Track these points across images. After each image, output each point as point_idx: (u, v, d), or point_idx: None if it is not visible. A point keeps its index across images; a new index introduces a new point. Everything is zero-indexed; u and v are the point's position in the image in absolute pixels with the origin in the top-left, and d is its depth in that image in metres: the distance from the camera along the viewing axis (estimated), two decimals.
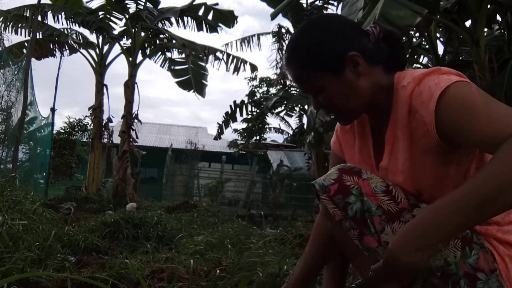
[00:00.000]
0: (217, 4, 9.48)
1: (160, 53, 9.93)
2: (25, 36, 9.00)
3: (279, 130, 18.99)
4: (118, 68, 34.69)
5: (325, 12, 8.97)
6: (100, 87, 9.39)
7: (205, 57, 9.42)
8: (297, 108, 14.14)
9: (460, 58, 5.67)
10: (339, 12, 6.16)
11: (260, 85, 21.25)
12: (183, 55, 8.93)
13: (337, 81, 1.07)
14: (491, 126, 0.87)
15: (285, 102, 11.73)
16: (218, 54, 9.87)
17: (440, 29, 5.82)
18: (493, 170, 0.82)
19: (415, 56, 6.79)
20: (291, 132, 18.81)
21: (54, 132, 11.33)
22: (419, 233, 0.87)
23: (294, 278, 1.30)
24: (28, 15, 8.37)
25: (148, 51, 9.69)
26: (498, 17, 5.42)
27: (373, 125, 1.17)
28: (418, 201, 1.04)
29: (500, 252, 0.98)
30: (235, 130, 19.40)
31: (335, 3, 8.51)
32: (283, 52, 1.10)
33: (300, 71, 1.11)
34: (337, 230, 1.11)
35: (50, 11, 8.53)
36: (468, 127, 0.90)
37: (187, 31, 27.04)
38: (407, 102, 1.01)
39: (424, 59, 6.98)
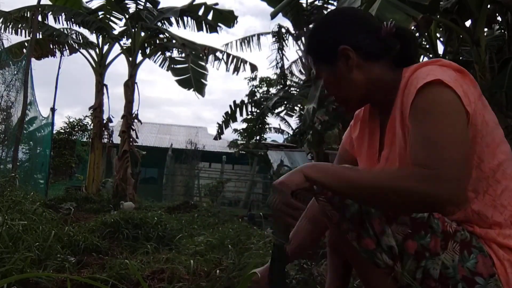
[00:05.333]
0: (217, 4, 9.48)
1: (160, 53, 9.93)
2: (25, 36, 9.02)
3: (279, 130, 18.97)
4: (118, 68, 34.83)
5: (325, 11, 8.97)
6: (100, 87, 9.39)
7: (205, 57, 9.42)
8: (297, 108, 14.12)
9: (460, 58, 5.67)
10: None
11: (260, 85, 21.22)
12: (183, 55, 8.93)
13: (330, 71, 1.15)
14: (422, 147, 0.92)
15: (285, 102, 11.73)
16: (218, 54, 9.87)
17: (440, 29, 5.82)
18: (393, 177, 0.93)
19: None
20: (291, 132, 18.79)
21: (54, 132, 11.33)
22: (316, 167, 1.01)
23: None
24: (28, 16, 8.38)
25: (148, 51, 9.69)
26: (498, 17, 5.42)
27: (381, 120, 1.20)
28: None
29: (499, 257, 0.97)
30: (235, 130, 19.40)
31: (335, 3, 8.51)
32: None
33: (308, 58, 1.24)
34: (335, 231, 1.11)
35: (50, 12, 8.54)
36: (413, 131, 0.96)
37: (187, 31, 27.08)
38: (402, 92, 1.04)
39: (424, 59, 6.97)
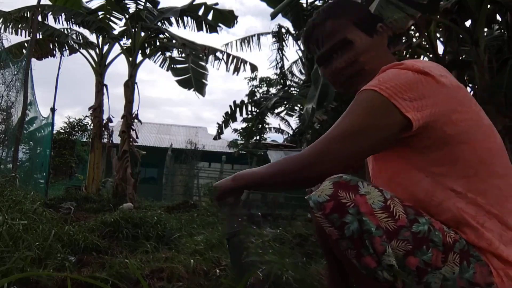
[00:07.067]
0: (217, 4, 9.49)
1: (160, 53, 9.94)
2: (25, 36, 9.03)
3: (279, 130, 18.97)
4: (118, 68, 34.88)
5: None
6: (100, 87, 9.40)
7: (205, 57, 9.43)
8: (297, 108, 14.14)
9: (460, 58, 5.67)
10: None
11: (260, 85, 21.22)
12: (183, 55, 8.94)
13: (366, 40, 1.22)
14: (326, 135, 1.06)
15: (285, 102, 11.74)
16: (218, 54, 9.88)
17: (440, 29, 5.82)
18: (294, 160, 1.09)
19: (415, 56, 6.79)
20: (291, 132, 18.78)
21: (54, 132, 11.33)
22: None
23: None
24: (28, 16, 8.39)
25: (148, 51, 9.70)
26: (498, 17, 5.43)
27: None
28: (417, 214, 1.00)
29: (494, 266, 0.97)
30: (235, 130, 19.40)
31: None
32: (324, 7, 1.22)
33: (339, 21, 1.24)
34: (335, 247, 1.07)
35: (50, 12, 8.54)
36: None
37: (187, 31, 27.10)
38: None
39: (424, 59, 6.97)
